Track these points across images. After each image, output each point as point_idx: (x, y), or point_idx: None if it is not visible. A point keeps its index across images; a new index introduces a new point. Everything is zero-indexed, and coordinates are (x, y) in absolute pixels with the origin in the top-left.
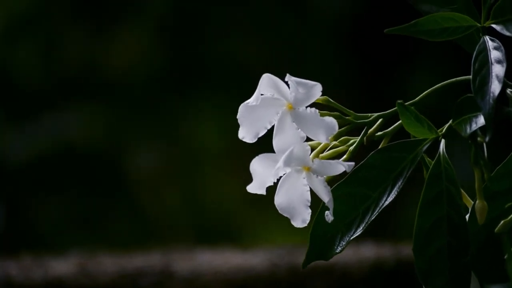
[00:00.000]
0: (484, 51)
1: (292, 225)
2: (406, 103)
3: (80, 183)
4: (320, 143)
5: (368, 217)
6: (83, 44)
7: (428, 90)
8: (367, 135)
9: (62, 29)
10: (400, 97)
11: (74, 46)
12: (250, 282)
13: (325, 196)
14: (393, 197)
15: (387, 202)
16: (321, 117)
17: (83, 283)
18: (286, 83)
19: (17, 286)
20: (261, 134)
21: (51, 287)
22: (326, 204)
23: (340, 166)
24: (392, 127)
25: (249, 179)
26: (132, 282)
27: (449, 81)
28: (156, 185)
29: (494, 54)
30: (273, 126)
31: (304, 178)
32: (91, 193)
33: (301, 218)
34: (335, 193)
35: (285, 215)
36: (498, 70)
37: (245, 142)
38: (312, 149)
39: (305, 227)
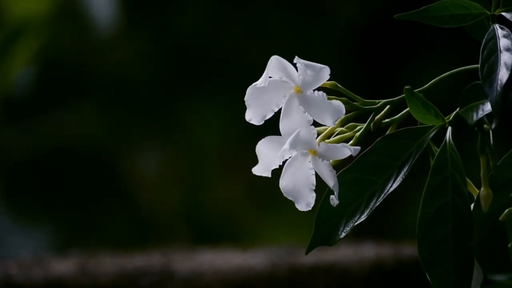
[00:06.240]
0: (493, 39)
1: (293, 225)
2: (415, 90)
3: (78, 183)
4: (327, 128)
5: (373, 203)
6: (83, 43)
7: (437, 78)
8: (374, 121)
9: (62, 28)
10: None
11: (75, 45)
12: (250, 282)
13: (331, 180)
14: (398, 183)
15: (392, 189)
16: (329, 101)
17: (83, 283)
18: (295, 65)
19: (17, 286)
20: (268, 116)
21: (51, 287)
22: (331, 188)
23: (346, 150)
24: (400, 114)
25: (249, 180)
26: (132, 282)
27: (457, 69)
28: (155, 185)
29: (503, 42)
30: (280, 109)
31: (309, 161)
32: (90, 194)
33: (306, 202)
34: (340, 179)
35: (289, 198)
36: (506, 58)
37: (244, 142)
38: (319, 135)
39: (307, 227)
